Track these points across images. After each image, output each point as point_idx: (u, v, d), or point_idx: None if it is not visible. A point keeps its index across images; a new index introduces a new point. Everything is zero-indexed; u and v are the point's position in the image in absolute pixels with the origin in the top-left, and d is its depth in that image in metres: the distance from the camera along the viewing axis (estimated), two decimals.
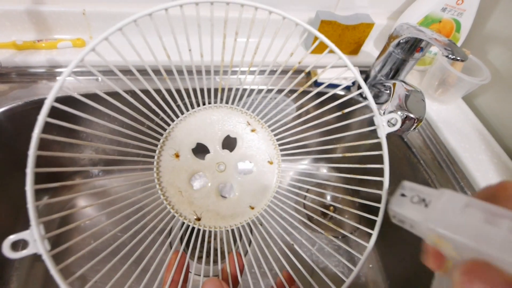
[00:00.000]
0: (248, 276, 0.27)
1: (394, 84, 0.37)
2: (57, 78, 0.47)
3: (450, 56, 0.37)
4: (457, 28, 0.53)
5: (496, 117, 0.53)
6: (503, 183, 0.15)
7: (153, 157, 0.30)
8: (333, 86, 0.54)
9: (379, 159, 0.29)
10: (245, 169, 0.32)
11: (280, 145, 0.33)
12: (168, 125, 0.31)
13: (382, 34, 0.61)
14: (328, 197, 0.65)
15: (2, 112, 0.41)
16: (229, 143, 0.33)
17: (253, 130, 0.32)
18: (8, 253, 0.19)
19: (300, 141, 0.33)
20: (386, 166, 0.27)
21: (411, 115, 0.33)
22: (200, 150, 0.32)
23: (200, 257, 0.42)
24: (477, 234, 0.12)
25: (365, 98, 0.54)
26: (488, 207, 0.13)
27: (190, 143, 0.31)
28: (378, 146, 0.30)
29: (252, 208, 0.31)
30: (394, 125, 0.26)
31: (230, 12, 0.29)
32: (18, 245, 0.20)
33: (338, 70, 0.54)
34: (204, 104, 0.32)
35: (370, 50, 0.61)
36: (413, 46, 0.45)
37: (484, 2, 0.53)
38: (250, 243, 0.31)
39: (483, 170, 0.46)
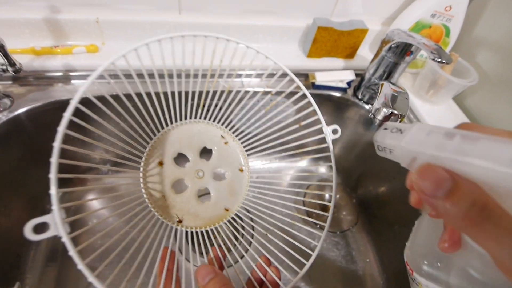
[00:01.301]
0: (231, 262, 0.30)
1: (382, 85, 0.40)
2: (72, 81, 0.50)
3: (436, 59, 0.41)
4: (447, 33, 0.56)
5: (484, 116, 0.56)
6: (461, 124, 0.18)
7: (140, 163, 0.33)
8: (329, 88, 0.58)
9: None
10: (220, 176, 0.35)
11: (249, 155, 0.37)
12: (152, 138, 0.34)
13: (376, 39, 0.64)
14: (327, 196, 0.68)
15: (23, 112, 0.45)
16: (206, 153, 0.36)
17: (226, 143, 0.36)
18: (29, 235, 0.21)
19: (268, 149, 0.37)
20: (333, 164, 0.32)
21: (395, 112, 0.37)
22: (181, 159, 0.35)
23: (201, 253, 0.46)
24: (437, 146, 0.16)
25: (361, 100, 0.57)
26: (446, 129, 0.16)
27: (172, 153, 0.34)
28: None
29: (227, 210, 0.34)
30: (336, 133, 0.32)
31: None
32: (37, 230, 0.23)
33: (336, 73, 0.57)
34: (186, 118, 0.35)
35: (365, 54, 0.64)
36: (404, 50, 0.48)
37: (472, 9, 0.56)
38: (237, 239, 0.35)
39: None
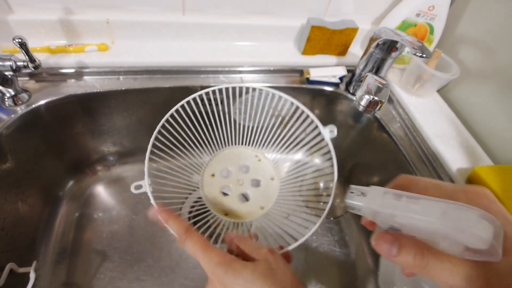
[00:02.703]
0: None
1: (366, 76, 0.44)
2: (84, 77, 0.54)
3: (418, 54, 0.45)
4: (431, 31, 0.61)
5: (466, 107, 0.61)
6: (399, 177, 0.25)
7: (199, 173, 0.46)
8: (322, 83, 0.62)
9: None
10: (256, 184, 0.46)
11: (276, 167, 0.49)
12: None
13: (366, 37, 0.68)
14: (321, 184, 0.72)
15: (43, 105, 0.49)
16: (245, 168, 0.48)
17: (259, 160, 0.48)
18: (133, 190, 0.33)
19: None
20: (334, 161, 0.41)
21: (376, 98, 0.41)
22: (227, 172, 0.48)
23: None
24: (391, 206, 0.22)
25: (353, 94, 0.61)
26: (395, 191, 0.22)
27: (221, 168, 0.46)
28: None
29: (262, 208, 0.44)
30: (332, 131, 0.39)
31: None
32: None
33: (329, 69, 0.61)
34: (230, 144, 0.48)
35: (357, 51, 0.68)
36: (390, 47, 0.52)
37: (454, 9, 0.60)
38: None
39: (453, 153, 0.53)
